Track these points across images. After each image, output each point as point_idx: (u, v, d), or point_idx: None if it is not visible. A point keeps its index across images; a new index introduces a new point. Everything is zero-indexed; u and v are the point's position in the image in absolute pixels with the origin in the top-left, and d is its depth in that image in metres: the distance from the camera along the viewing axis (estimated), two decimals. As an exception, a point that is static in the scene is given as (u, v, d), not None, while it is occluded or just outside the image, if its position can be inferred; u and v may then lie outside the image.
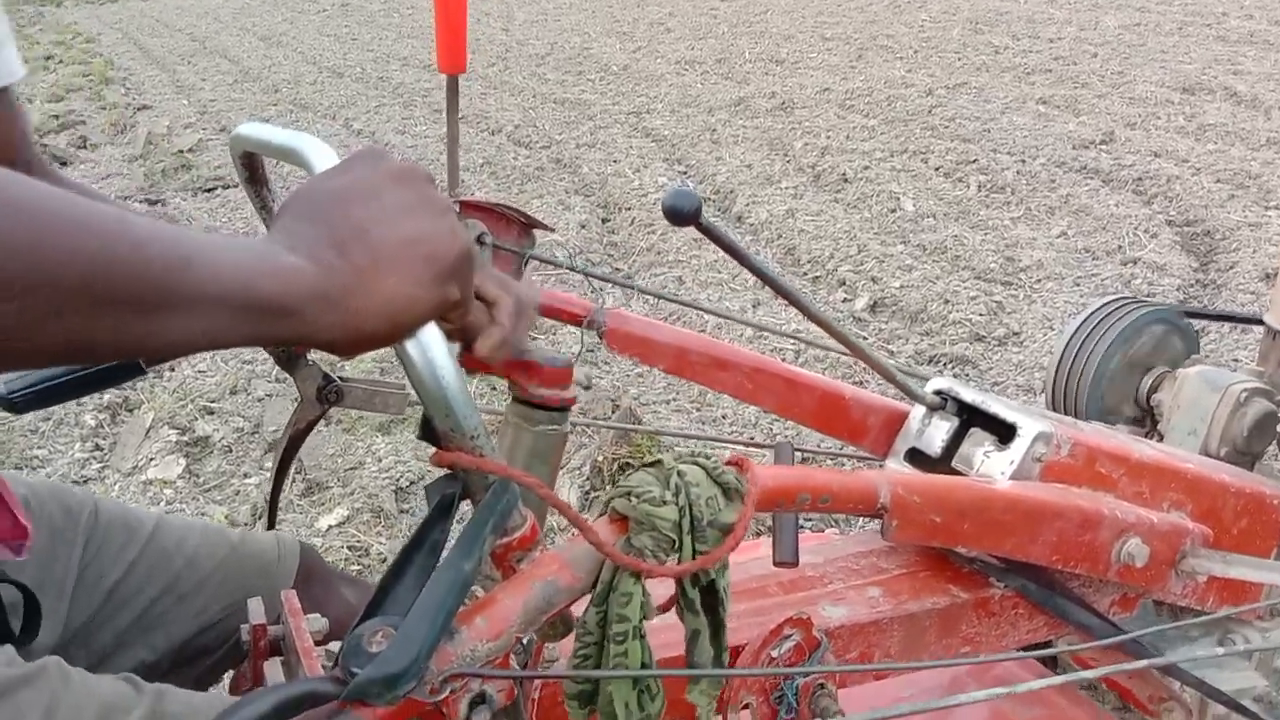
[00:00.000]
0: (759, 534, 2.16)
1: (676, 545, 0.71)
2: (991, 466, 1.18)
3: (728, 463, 0.80)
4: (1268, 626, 1.51)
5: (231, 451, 3.15)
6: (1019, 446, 1.17)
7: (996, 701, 1.49)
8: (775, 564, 1.05)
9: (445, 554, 0.66)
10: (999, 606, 1.20)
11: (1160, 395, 1.72)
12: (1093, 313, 1.75)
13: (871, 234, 5.00)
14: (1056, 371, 1.75)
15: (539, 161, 6.63)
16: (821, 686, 1.00)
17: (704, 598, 0.74)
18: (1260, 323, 1.75)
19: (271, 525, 1.42)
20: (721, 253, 1.13)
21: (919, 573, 1.21)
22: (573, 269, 1.32)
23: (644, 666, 0.68)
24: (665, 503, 0.70)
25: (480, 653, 0.65)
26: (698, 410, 3.45)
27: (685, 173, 6.28)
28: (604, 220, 5.44)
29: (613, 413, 3.34)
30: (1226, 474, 1.43)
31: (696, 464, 0.74)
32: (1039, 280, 4.48)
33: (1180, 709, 1.45)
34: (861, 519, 0.99)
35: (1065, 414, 1.73)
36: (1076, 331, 1.74)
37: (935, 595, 1.17)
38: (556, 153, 6.85)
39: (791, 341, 3.70)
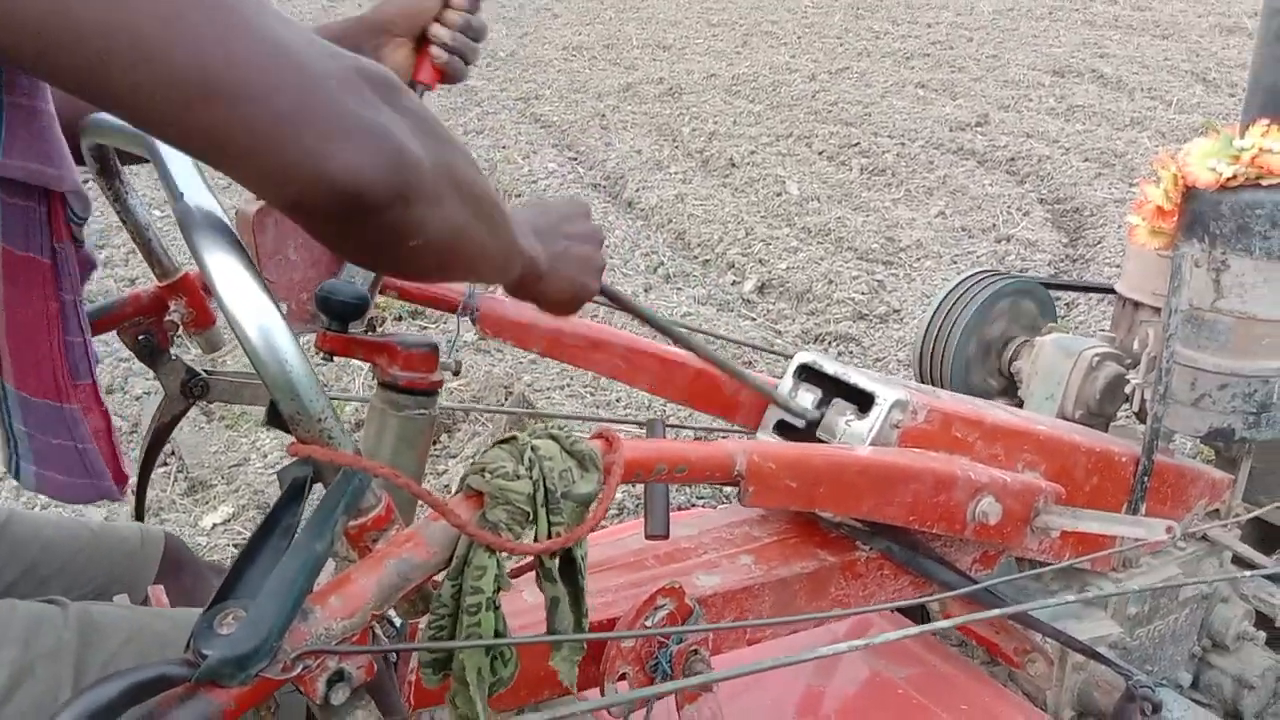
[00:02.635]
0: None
1: (531, 518, 0.72)
2: (852, 434, 1.23)
3: (594, 437, 0.82)
4: (1120, 576, 1.60)
5: (109, 453, 3.04)
6: (876, 414, 1.21)
7: (873, 664, 1.54)
8: (647, 537, 1.07)
9: (296, 536, 0.66)
10: (865, 568, 1.24)
11: (1020, 363, 1.80)
12: (955, 286, 1.82)
13: (758, 217, 5.08)
14: (923, 343, 1.81)
15: (425, 150, 6.52)
16: (695, 653, 1.02)
17: (562, 567, 0.76)
18: (1112, 291, 1.84)
19: (140, 520, 1.39)
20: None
21: (789, 539, 1.25)
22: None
23: (498, 635, 0.70)
24: (519, 477, 0.71)
25: (335, 630, 0.65)
26: (592, 395, 3.46)
27: (575, 159, 6.27)
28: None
29: (506, 398, 3.33)
30: (1078, 435, 1.51)
31: (551, 437, 0.75)
32: (918, 259, 4.62)
33: (1042, 659, 1.53)
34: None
35: (932, 384, 1.80)
36: (940, 305, 1.81)
37: (804, 560, 1.20)
38: (444, 140, 6.75)
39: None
